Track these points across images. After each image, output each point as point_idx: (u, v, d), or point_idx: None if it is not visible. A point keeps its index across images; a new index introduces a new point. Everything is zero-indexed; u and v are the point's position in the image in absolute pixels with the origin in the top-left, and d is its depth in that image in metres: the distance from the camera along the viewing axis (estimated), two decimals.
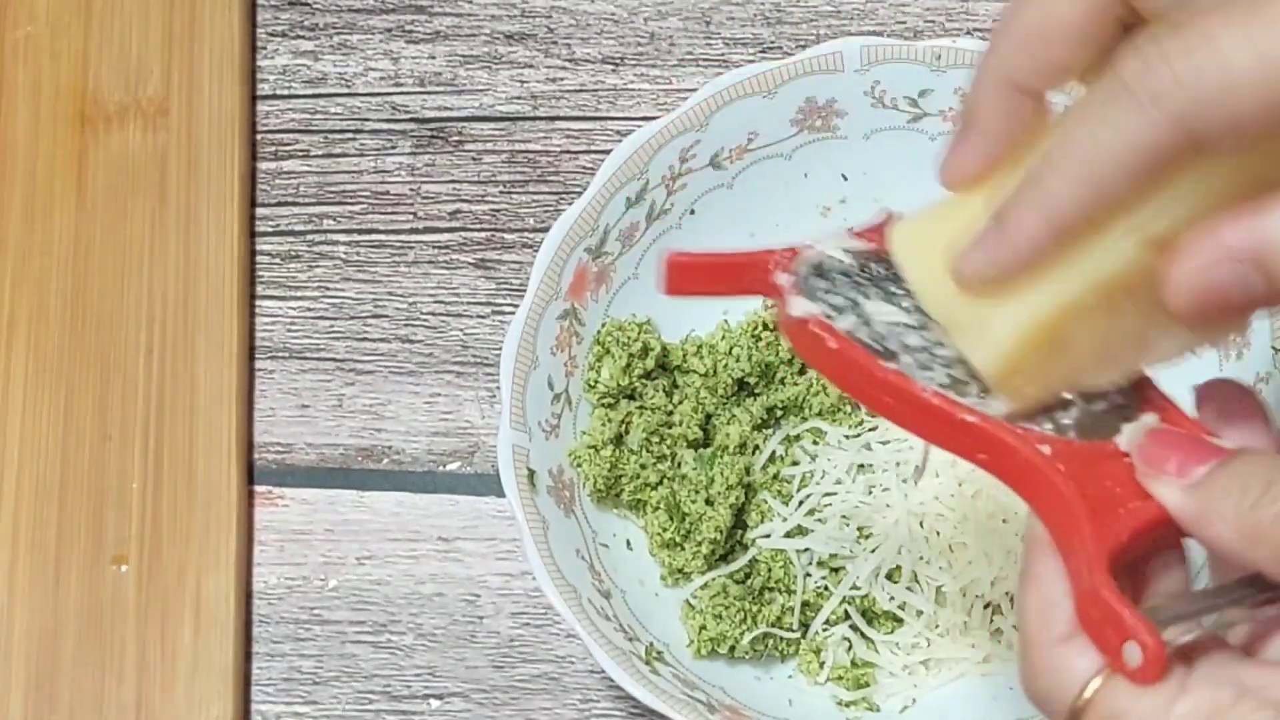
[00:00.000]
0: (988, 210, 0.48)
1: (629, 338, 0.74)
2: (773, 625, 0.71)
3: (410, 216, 0.83)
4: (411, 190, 0.83)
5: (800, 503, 0.73)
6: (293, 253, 0.83)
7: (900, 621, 0.72)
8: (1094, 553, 0.47)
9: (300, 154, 0.84)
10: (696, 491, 0.73)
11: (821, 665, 0.72)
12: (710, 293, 0.54)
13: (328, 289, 0.82)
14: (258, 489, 0.79)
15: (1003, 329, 0.48)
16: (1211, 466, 0.48)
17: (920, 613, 0.72)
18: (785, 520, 0.73)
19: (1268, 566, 0.47)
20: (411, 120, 0.84)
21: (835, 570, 0.73)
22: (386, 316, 0.82)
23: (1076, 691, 0.47)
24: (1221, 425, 0.51)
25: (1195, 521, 0.48)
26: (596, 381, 0.74)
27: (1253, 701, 0.46)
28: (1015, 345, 0.48)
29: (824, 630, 0.72)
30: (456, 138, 0.84)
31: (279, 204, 0.84)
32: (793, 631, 0.72)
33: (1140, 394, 0.51)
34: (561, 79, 0.85)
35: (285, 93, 0.85)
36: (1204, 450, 0.49)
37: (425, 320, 0.82)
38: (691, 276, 0.54)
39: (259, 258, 0.83)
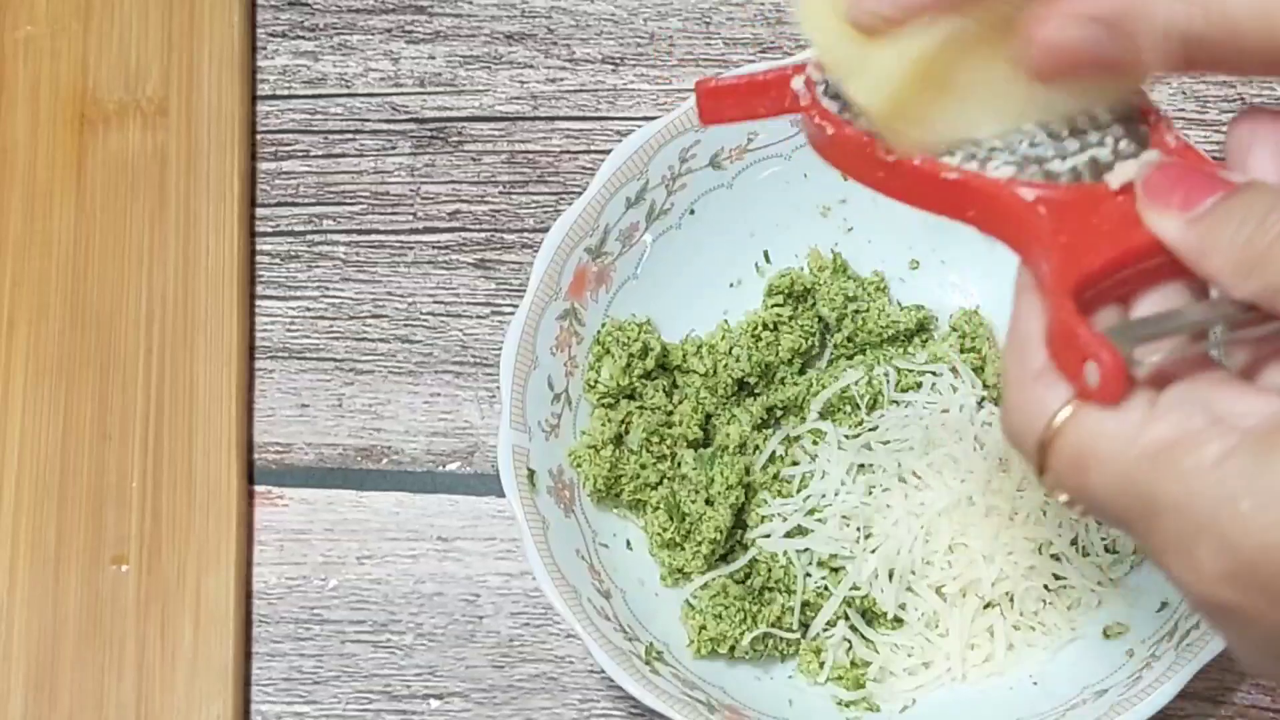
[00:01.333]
0: None
1: (629, 338, 0.74)
2: (773, 625, 0.71)
3: (410, 216, 0.83)
4: (411, 190, 0.83)
5: (800, 503, 0.73)
6: (293, 253, 0.83)
7: (900, 622, 0.72)
8: (1058, 277, 0.47)
9: (300, 154, 0.84)
10: (696, 491, 0.73)
11: (821, 665, 0.72)
12: (745, 115, 0.54)
13: (327, 289, 0.82)
14: (257, 489, 0.79)
15: (888, 62, 0.49)
16: (1217, 198, 0.47)
17: (920, 613, 0.72)
18: (785, 520, 0.73)
19: (1260, 298, 0.46)
20: (411, 120, 0.84)
21: (835, 570, 0.73)
22: (386, 316, 0.82)
23: (1045, 423, 0.47)
24: (1247, 152, 0.49)
25: (1194, 255, 0.47)
26: (596, 381, 0.74)
27: (1221, 428, 0.45)
28: (900, 77, 0.49)
29: (824, 630, 0.72)
30: (456, 138, 0.84)
31: (279, 204, 0.84)
32: (793, 632, 0.72)
33: (1152, 134, 0.51)
34: (561, 79, 0.85)
35: (285, 93, 0.85)
36: (1213, 183, 0.48)
37: (425, 320, 0.82)
38: (723, 100, 0.54)
39: (259, 258, 0.83)
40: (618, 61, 0.85)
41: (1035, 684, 0.71)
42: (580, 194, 0.74)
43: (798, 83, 0.53)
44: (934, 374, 0.75)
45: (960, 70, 0.49)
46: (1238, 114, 0.50)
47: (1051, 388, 0.47)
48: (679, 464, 0.74)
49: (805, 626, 0.72)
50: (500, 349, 0.71)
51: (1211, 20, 0.46)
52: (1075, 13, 0.47)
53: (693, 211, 0.76)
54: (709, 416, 0.75)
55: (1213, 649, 0.66)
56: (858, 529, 0.72)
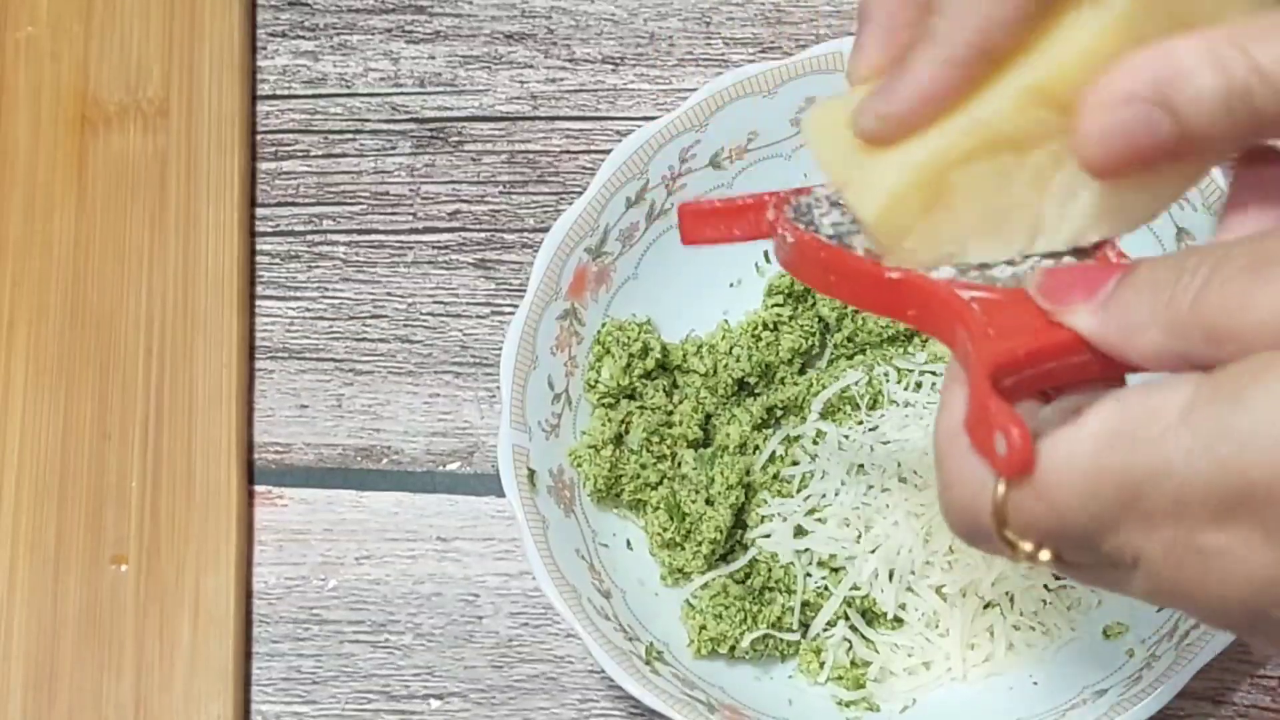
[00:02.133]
0: None
1: (629, 338, 0.74)
2: (773, 626, 0.71)
3: (410, 217, 0.83)
4: (411, 190, 0.83)
5: (800, 503, 0.73)
6: (293, 253, 0.83)
7: (900, 622, 0.72)
8: (978, 357, 0.46)
9: (300, 154, 0.84)
10: (696, 491, 0.73)
11: (821, 665, 0.72)
12: (724, 238, 0.55)
13: (327, 289, 0.82)
14: (257, 489, 0.79)
15: (886, 174, 0.49)
16: (1118, 277, 0.46)
17: (920, 613, 0.72)
18: (785, 520, 0.73)
19: (1201, 353, 0.44)
20: (411, 120, 0.84)
21: (835, 570, 0.72)
22: (386, 317, 0.82)
23: (990, 490, 0.45)
24: (1254, 195, 0.48)
25: (1119, 341, 0.45)
26: (596, 381, 0.73)
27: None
28: (897, 189, 0.49)
29: (824, 630, 0.72)
30: (456, 138, 0.84)
31: (279, 204, 0.84)
32: (793, 632, 0.72)
33: (1096, 251, 0.51)
34: (561, 79, 0.85)
35: (285, 93, 0.85)
36: (1106, 270, 0.47)
37: (424, 320, 0.82)
38: (704, 222, 0.56)
39: (259, 258, 0.83)
40: (618, 61, 0.85)
41: (1035, 684, 0.71)
42: (580, 194, 0.74)
43: (769, 201, 0.54)
44: (934, 374, 0.75)
45: (962, 183, 0.49)
46: (1245, 151, 0.48)
47: (984, 465, 0.46)
48: (679, 464, 0.74)
49: (805, 626, 0.72)
50: (500, 349, 0.71)
51: (1267, 77, 0.44)
52: (1112, 96, 0.46)
53: None
54: (709, 416, 0.75)
55: (1213, 649, 0.66)
56: (858, 529, 0.72)
